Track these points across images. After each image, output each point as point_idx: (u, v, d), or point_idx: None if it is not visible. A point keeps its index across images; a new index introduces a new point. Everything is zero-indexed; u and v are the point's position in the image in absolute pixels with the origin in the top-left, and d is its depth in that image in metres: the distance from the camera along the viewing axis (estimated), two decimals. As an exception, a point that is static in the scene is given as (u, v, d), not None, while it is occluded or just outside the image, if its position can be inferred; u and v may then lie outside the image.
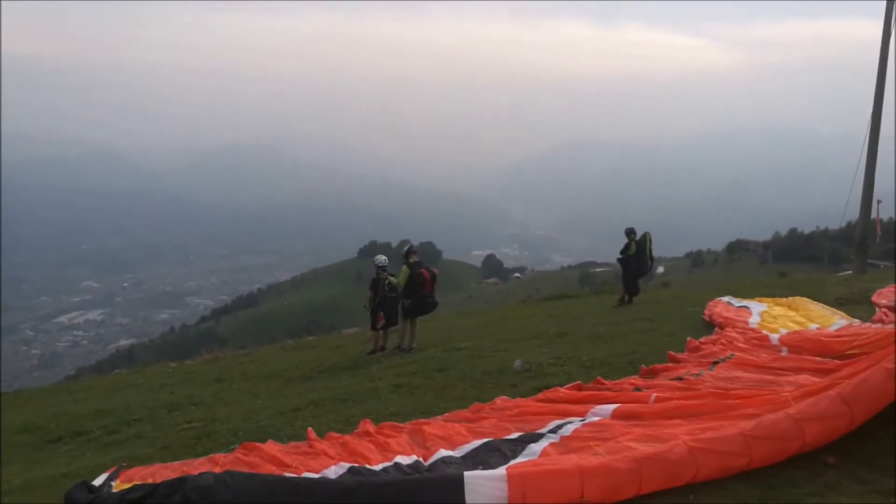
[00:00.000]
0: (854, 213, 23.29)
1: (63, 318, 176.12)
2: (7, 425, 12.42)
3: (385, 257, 14.80)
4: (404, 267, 13.82)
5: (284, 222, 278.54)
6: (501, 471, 5.26)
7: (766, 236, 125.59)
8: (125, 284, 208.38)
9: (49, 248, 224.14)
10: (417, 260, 14.06)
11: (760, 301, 13.62)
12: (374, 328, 14.51)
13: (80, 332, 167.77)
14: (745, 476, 5.33)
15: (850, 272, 25.90)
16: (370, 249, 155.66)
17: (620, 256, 17.75)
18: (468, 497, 5.04)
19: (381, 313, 14.13)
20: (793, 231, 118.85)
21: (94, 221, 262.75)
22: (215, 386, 13.98)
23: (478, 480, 5.18)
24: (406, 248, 14.40)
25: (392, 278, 14.01)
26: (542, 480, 5.16)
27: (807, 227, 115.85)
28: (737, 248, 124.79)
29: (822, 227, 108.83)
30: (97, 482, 7.69)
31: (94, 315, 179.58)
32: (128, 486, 7.34)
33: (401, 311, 14.10)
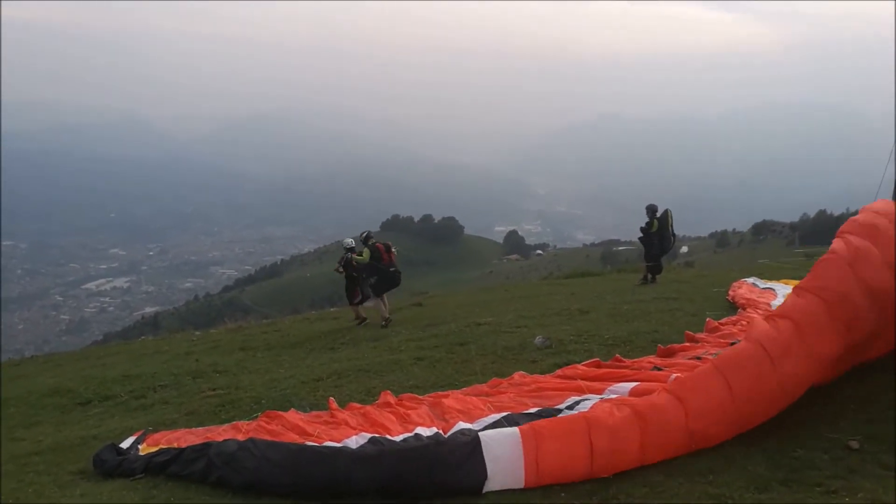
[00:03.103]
0: (887, 195, 22.79)
1: (91, 285, 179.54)
2: (38, 387, 12.75)
3: (352, 239, 16.49)
4: (364, 248, 15.33)
5: (307, 194, 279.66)
6: (514, 428, 5.53)
7: (793, 217, 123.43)
8: (151, 253, 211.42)
9: (77, 215, 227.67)
10: (374, 241, 15.45)
11: (786, 283, 13.46)
12: (351, 303, 16.45)
13: (108, 299, 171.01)
14: (768, 458, 5.31)
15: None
16: (393, 223, 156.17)
17: (642, 235, 17.60)
18: (486, 454, 5.33)
19: (357, 289, 15.99)
20: (821, 213, 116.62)
21: (121, 189, 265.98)
22: (239, 354, 14.20)
23: (493, 437, 5.48)
24: (364, 234, 15.80)
25: (357, 257, 15.42)
26: (552, 431, 5.51)
27: (836, 209, 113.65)
28: (763, 229, 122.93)
29: (852, 209, 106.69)
30: (125, 444, 7.91)
31: (120, 282, 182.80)
32: (154, 449, 7.54)
33: (371, 289, 15.62)
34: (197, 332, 20.50)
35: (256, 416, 8.08)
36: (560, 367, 9.13)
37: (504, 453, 5.37)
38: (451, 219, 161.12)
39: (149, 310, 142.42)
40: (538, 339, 10.69)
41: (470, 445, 5.42)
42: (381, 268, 15.16)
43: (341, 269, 16.23)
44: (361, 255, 15.21)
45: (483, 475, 5.31)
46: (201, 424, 8.91)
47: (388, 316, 15.68)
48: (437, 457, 5.43)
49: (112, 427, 9.42)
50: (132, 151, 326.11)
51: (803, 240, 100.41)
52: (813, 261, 8.04)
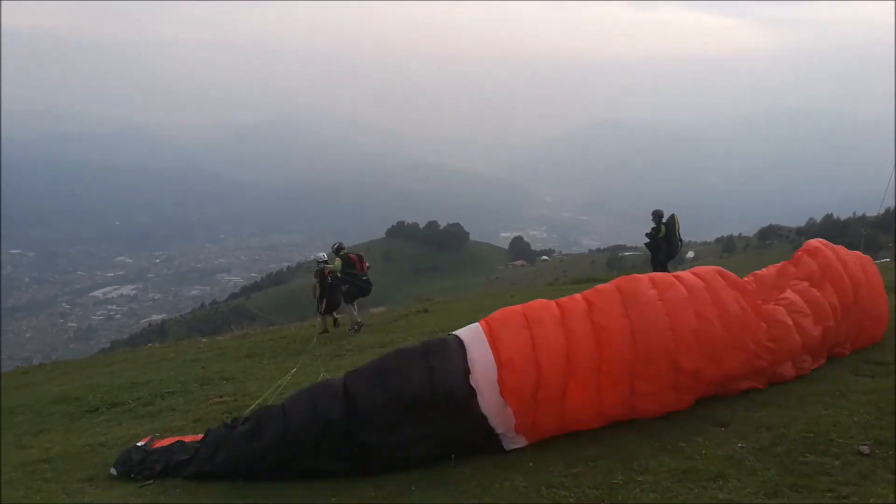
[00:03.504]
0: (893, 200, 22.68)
1: (98, 293, 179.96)
2: (46, 395, 12.78)
3: (324, 254, 17.06)
4: (336, 258, 15.97)
5: (312, 201, 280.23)
6: (475, 324, 7.29)
7: (799, 222, 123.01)
8: (157, 260, 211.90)
9: (83, 224, 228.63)
10: (345, 252, 16.20)
11: None
12: (320, 312, 16.83)
13: (114, 307, 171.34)
14: (778, 462, 5.29)
15: (889, 260, 25.29)
16: (398, 230, 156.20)
17: (648, 240, 17.53)
18: (461, 333, 7.12)
19: (325, 300, 16.57)
20: (828, 217, 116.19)
21: (126, 197, 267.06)
22: (245, 361, 14.22)
23: (465, 331, 7.23)
24: (336, 246, 16.55)
25: (330, 266, 16.07)
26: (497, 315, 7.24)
27: (843, 213, 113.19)
28: (769, 234, 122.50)
29: (858, 214, 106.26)
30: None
31: (127, 290, 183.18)
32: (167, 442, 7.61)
33: (343, 297, 16.31)
34: (203, 340, 20.51)
35: None
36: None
37: (474, 340, 6.95)
38: (457, 225, 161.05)
39: (155, 317, 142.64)
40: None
41: (450, 337, 7.18)
42: (354, 275, 15.90)
43: (314, 293, 16.82)
44: (334, 266, 15.93)
45: (465, 358, 6.78)
46: (209, 431, 8.92)
47: (359, 321, 16.30)
48: (429, 347, 7.09)
49: (120, 434, 9.43)
50: (136, 160, 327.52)
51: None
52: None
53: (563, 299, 7.44)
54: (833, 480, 4.94)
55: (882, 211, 63.70)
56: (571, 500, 5.28)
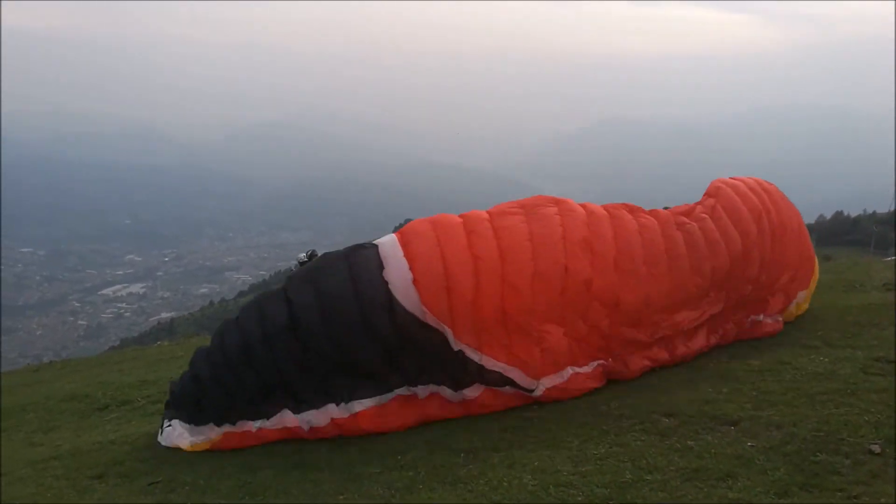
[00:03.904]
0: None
1: (108, 291, 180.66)
2: (56, 393, 12.86)
3: (304, 254, 17.22)
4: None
5: (319, 199, 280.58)
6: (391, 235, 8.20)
7: (809, 219, 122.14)
8: (166, 259, 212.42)
9: (93, 222, 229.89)
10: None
11: None
12: None
13: (124, 305, 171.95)
14: (788, 462, 5.26)
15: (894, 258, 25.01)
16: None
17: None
18: (386, 271, 7.75)
19: None
20: (838, 214, 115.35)
21: (136, 196, 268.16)
22: (254, 359, 14.25)
23: (382, 240, 8.12)
24: (310, 252, 16.74)
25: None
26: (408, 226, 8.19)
27: (853, 210, 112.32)
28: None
29: (869, 211, 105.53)
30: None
31: (136, 288, 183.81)
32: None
33: None
34: (212, 337, 20.57)
35: None
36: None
37: (387, 243, 7.99)
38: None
39: (164, 315, 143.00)
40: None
41: (367, 244, 8.15)
42: None
43: None
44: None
45: (378, 255, 7.83)
46: (217, 429, 8.94)
47: None
48: (349, 251, 8.15)
49: (130, 432, 9.47)
50: (144, 159, 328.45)
51: (820, 241, 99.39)
52: (831, 263, 8.11)
53: (468, 213, 8.53)
54: (844, 480, 4.91)
55: (893, 208, 63.20)
56: (580, 498, 5.27)
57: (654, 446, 6.05)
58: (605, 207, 8.83)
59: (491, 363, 7.75)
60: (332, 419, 7.76)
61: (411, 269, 7.71)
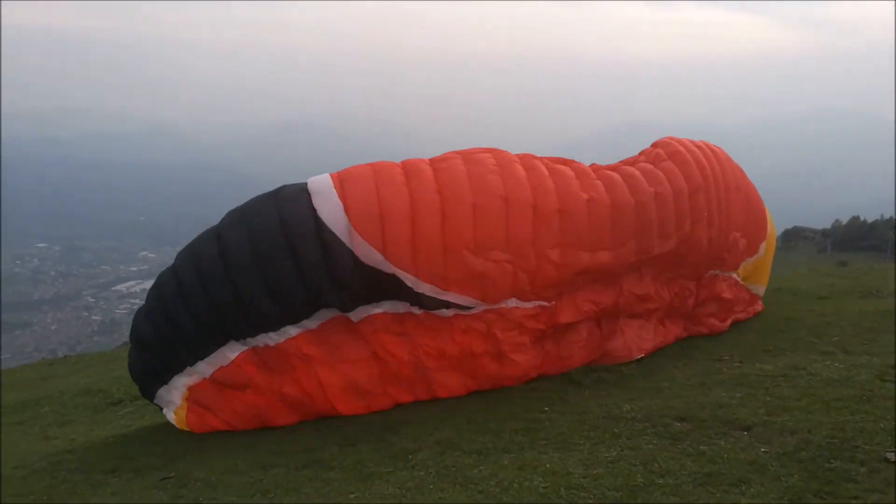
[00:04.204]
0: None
1: (121, 287, 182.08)
2: (71, 387, 12.99)
3: None
4: None
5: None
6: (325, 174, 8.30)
7: (825, 224, 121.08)
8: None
9: (108, 219, 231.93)
10: None
11: None
12: None
13: (137, 301, 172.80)
14: (802, 468, 5.21)
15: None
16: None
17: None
18: (313, 196, 8.02)
19: None
20: (854, 219, 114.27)
21: (150, 194, 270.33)
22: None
23: (313, 179, 8.22)
24: None
25: None
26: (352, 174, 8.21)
27: (870, 215, 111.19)
28: (793, 236, 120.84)
29: (886, 216, 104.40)
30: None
31: (149, 284, 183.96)
32: None
33: None
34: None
35: None
36: (586, 374, 9.06)
37: (318, 180, 8.17)
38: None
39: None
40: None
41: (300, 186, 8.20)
42: None
43: None
44: None
45: (306, 191, 8.08)
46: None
47: None
48: (278, 190, 8.31)
49: (143, 426, 9.56)
50: (160, 157, 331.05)
51: (836, 246, 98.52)
52: (847, 268, 8.09)
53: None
54: (858, 487, 4.86)
55: (910, 213, 62.40)
56: (591, 501, 5.25)
57: (667, 450, 6.02)
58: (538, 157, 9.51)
59: (427, 288, 8.10)
60: (273, 345, 8.24)
61: (342, 197, 7.97)
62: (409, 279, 8.05)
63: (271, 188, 8.70)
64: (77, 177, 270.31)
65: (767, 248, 11.68)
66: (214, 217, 9.11)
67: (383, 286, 8.12)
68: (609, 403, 7.62)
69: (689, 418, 6.71)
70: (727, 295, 10.55)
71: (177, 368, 8.66)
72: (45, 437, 9.72)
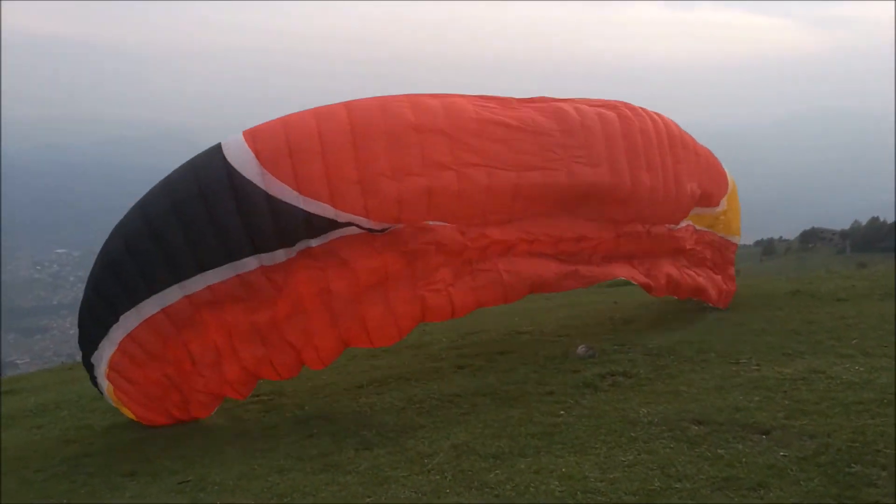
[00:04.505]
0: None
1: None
2: (90, 391, 13.02)
3: None
4: None
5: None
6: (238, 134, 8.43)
7: (844, 225, 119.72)
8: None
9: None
10: None
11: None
12: None
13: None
14: (822, 472, 5.16)
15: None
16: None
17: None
18: (224, 148, 8.30)
19: None
20: (874, 220, 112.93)
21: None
22: (282, 361, 14.35)
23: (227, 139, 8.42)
24: None
25: None
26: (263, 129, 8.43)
27: (889, 216, 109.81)
28: (811, 237, 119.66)
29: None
30: None
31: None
32: None
33: None
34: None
35: None
36: (603, 377, 9.04)
37: (233, 140, 8.32)
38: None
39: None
40: (581, 349, 10.56)
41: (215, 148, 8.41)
42: None
43: None
44: None
45: (220, 148, 8.31)
46: (246, 431, 9.06)
47: None
48: (195, 160, 8.62)
49: (159, 431, 9.61)
50: (174, 162, 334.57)
51: (855, 248, 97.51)
52: (867, 270, 7.99)
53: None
54: (879, 492, 4.80)
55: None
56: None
57: (684, 454, 5.98)
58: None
59: (346, 217, 8.22)
60: (186, 297, 8.40)
61: (253, 147, 8.17)
62: (328, 211, 8.17)
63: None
64: (95, 183, 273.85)
65: (731, 203, 13.02)
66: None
67: (301, 223, 8.19)
68: (625, 407, 7.58)
69: (707, 422, 6.67)
70: (689, 245, 11.55)
71: (100, 335, 8.96)
72: (64, 441, 9.81)
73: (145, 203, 8.71)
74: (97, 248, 9.24)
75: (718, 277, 13.02)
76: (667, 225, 11.08)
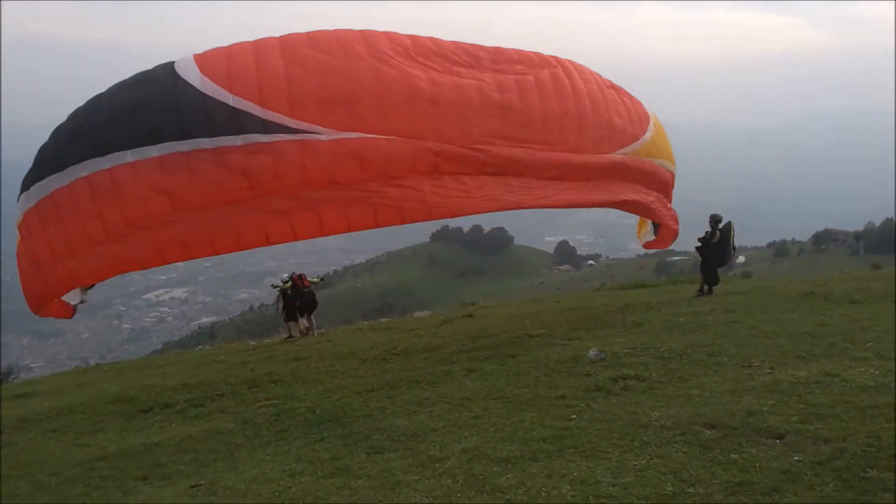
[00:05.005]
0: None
1: (150, 295, 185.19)
2: (103, 395, 13.19)
3: (287, 274, 20.38)
4: (288, 280, 19.78)
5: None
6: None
7: (857, 226, 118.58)
8: (207, 264, 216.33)
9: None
10: (289, 276, 20.10)
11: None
12: (286, 321, 20.13)
13: (166, 309, 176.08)
14: (837, 477, 5.11)
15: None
16: (442, 234, 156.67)
17: (700, 244, 17.16)
18: (176, 65, 9.50)
19: (286, 311, 19.98)
20: (888, 221, 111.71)
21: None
22: (293, 364, 14.40)
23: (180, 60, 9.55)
24: (291, 274, 20.10)
25: (283, 285, 19.90)
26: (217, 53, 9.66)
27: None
28: (824, 238, 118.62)
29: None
30: None
31: (178, 293, 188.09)
32: None
33: (297, 310, 19.71)
34: (252, 342, 20.89)
35: None
36: (615, 380, 9.00)
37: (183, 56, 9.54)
38: (501, 229, 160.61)
39: (205, 320, 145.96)
40: (592, 352, 10.52)
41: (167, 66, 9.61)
42: (299, 290, 19.52)
43: (276, 305, 20.64)
44: (287, 283, 19.76)
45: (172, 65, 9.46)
46: (257, 434, 9.09)
47: (311, 333, 19.50)
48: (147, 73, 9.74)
49: (172, 435, 9.66)
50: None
51: (869, 249, 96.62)
52: (881, 271, 7.92)
53: None
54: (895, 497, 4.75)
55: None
56: (618, 510, 5.19)
57: (697, 458, 5.94)
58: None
59: (271, 115, 9.09)
60: (108, 168, 9.19)
61: (198, 61, 9.31)
62: (255, 109, 9.03)
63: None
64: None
65: (657, 131, 14.30)
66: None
67: (232, 118, 9.06)
68: (637, 411, 7.54)
69: (720, 426, 6.62)
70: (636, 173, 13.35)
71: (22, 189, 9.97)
72: (78, 445, 9.88)
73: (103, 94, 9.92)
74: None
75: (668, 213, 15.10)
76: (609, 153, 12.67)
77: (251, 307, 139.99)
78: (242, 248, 9.77)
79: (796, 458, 5.60)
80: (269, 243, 9.84)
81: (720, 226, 16.86)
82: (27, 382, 19.99)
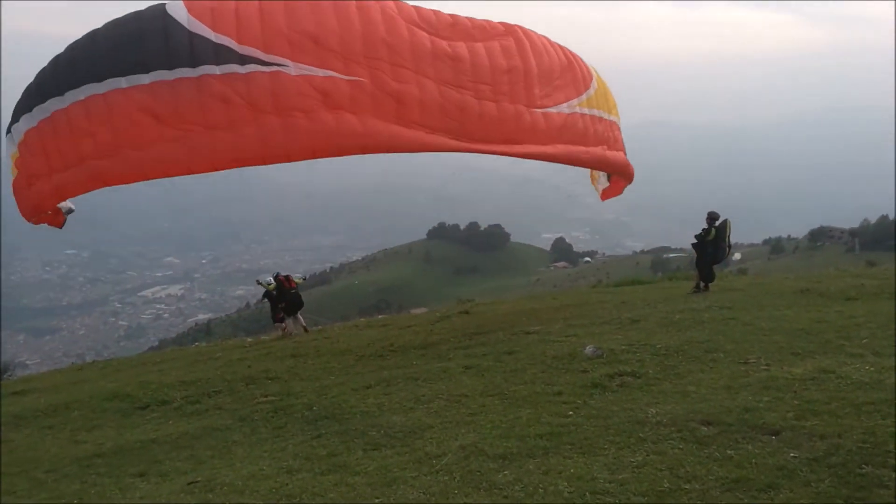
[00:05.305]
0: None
1: (147, 293, 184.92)
2: (99, 392, 13.18)
3: (270, 276, 20.26)
4: (274, 282, 19.63)
5: (354, 203, 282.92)
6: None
7: (853, 223, 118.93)
8: (203, 261, 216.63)
9: (134, 226, 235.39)
10: (275, 275, 20.09)
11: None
12: (275, 321, 20.15)
13: (163, 306, 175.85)
14: (833, 473, 5.14)
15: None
16: (439, 231, 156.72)
17: (696, 241, 17.21)
18: (167, 6, 10.04)
19: (274, 311, 19.92)
20: (883, 218, 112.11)
21: (175, 200, 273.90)
22: (290, 361, 14.40)
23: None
24: (275, 274, 20.08)
25: (269, 286, 19.73)
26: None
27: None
28: (820, 236, 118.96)
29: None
30: None
31: (175, 290, 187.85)
32: None
33: (284, 311, 19.66)
34: (249, 339, 20.88)
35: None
36: (612, 377, 9.02)
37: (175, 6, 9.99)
38: (498, 226, 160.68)
39: (202, 317, 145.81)
40: (589, 349, 10.54)
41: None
42: (285, 292, 19.50)
43: (258, 305, 22.09)
44: (271, 285, 19.63)
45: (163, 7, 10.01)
46: (255, 431, 9.09)
47: (297, 332, 19.60)
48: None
49: (169, 431, 9.67)
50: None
51: (864, 246, 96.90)
52: (876, 269, 7.94)
53: None
54: (891, 493, 4.77)
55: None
56: (616, 507, 5.21)
57: (693, 455, 5.96)
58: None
59: (249, 50, 9.82)
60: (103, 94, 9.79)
61: (187, 4, 9.93)
62: (233, 44, 9.78)
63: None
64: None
65: (599, 86, 14.99)
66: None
67: (213, 52, 9.76)
68: (634, 407, 7.56)
69: (716, 422, 6.64)
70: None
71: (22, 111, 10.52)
72: (74, 441, 9.88)
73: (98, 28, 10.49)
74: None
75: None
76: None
77: (247, 304, 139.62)
78: (216, 169, 10.42)
79: (792, 454, 5.63)
80: (238, 165, 10.50)
81: (716, 223, 16.91)
82: (23, 379, 19.94)
